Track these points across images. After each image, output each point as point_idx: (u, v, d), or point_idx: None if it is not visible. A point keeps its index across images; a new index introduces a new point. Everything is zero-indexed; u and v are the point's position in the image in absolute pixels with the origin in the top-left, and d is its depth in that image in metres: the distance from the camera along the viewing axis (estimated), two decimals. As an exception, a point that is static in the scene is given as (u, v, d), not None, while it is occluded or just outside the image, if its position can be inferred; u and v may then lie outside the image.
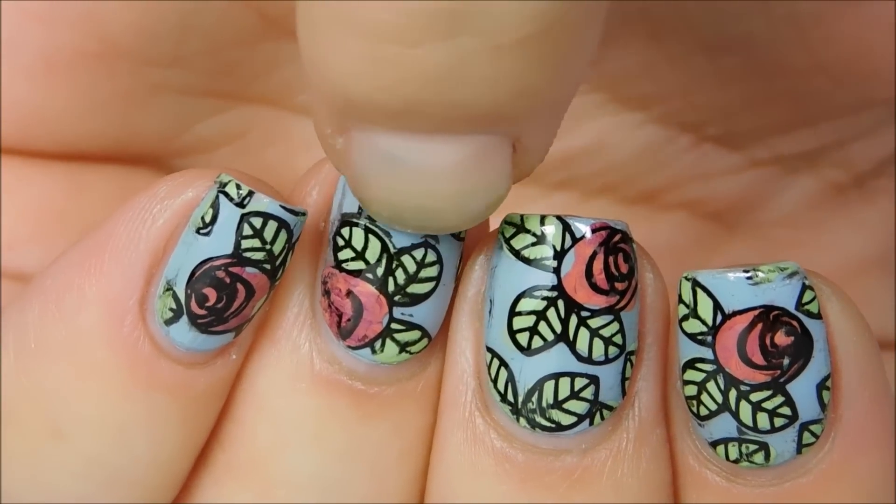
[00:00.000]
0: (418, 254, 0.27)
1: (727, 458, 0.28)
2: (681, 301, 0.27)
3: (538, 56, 0.23)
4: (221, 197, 0.27)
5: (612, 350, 0.27)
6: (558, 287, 0.27)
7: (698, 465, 0.28)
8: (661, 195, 0.36)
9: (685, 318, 0.27)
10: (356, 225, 0.27)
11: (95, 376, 0.28)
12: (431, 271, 0.27)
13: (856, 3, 0.30)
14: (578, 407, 0.27)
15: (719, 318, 0.27)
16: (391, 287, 0.27)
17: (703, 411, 0.27)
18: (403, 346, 0.28)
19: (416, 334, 0.28)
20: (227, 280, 0.27)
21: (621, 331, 0.27)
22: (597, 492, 0.28)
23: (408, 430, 0.29)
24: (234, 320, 0.27)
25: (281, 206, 0.27)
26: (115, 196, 0.33)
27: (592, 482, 0.28)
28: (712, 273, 0.27)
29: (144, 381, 0.28)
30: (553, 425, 0.27)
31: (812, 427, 0.27)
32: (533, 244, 0.27)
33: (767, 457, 0.28)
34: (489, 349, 0.27)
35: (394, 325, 0.28)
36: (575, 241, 0.27)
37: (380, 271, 0.27)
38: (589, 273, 0.27)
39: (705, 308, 0.27)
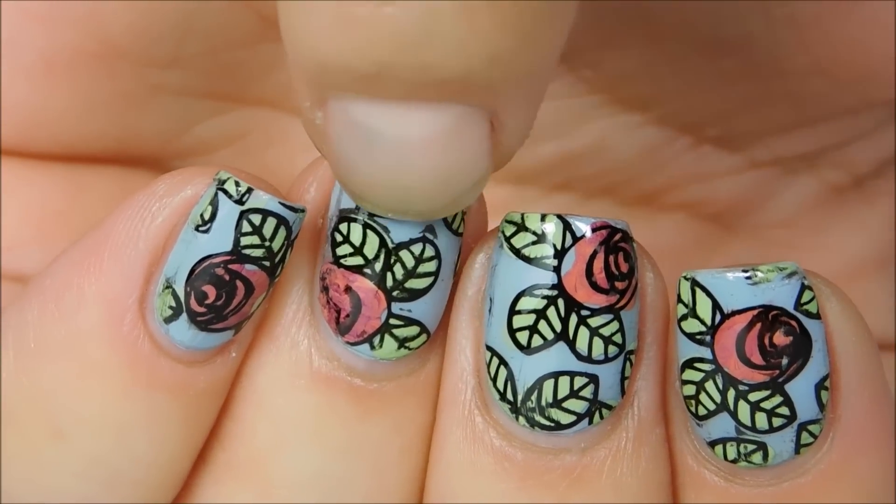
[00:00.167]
0: (416, 249, 0.27)
1: (725, 457, 0.28)
2: (680, 301, 0.27)
3: (510, 19, 0.23)
4: (220, 194, 0.27)
5: (612, 349, 0.27)
6: (558, 286, 0.27)
7: (697, 465, 0.28)
8: (660, 196, 0.36)
9: (684, 317, 0.27)
10: (354, 220, 0.27)
11: (95, 376, 0.28)
12: (430, 266, 0.27)
13: (855, 4, 0.30)
14: (578, 406, 0.27)
15: (718, 317, 0.27)
16: (389, 282, 0.27)
17: (702, 411, 0.27)
18: (402, 342, 0.28)
19: (414, 330, 0.28)
20: (227, 277, 0.27)
21: (621, 330, 0.27)
22: (596, 491, 0.28)
23: (407, 427, 0.29)
24: (234, 318, 0.27)
25: (280, 202, 0.27)
26: (115, 197, 0.33)
27: (591, 481, 0.28)
28: (711, 273, 0.27)
29: (144, 380, 0.28)
30: (552, 424, 0.27)
31: (810, 427, 0.27)
32: (533, 243, 0.27)
33: (766, 457, 0.28)
34: (489, 348, 0.27)
35: (392, 321, 0.28)
36: (575, 239, 0.27)
37: (378, 267, 0.27)
38: (589, 272, 0.27)
39: (704, 308, 0.27)
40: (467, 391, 0.28)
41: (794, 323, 0.27)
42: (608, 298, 0.27)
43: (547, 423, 0.27)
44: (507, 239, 0.27)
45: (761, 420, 0.27)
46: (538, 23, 0.23)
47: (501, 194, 0.35)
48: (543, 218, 0.27)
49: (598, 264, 0.27)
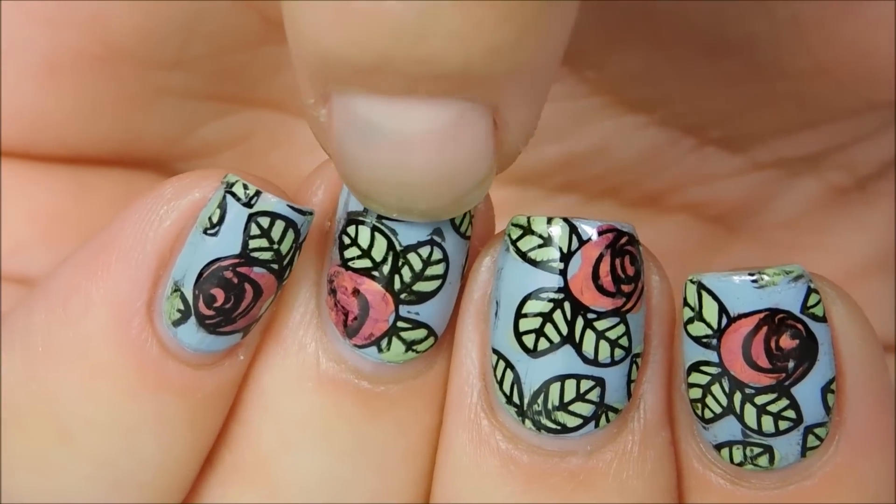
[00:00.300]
0: (424, 251, 0.27)
1: (731, 460, 0.28)
2: (686, 304, 0.27)
3: (509, 12, 0.23)
4: (228, 197, 0.27)
5: (618, 352, 0.27)
6: (565, 289, 0.27)
7: (702, 468, 0.28)
8: (663, 198, 0.36)
9: (690, 320, 0.27)
10: (362, 223, 0.27)
11: (103, 379, 0.28)
12: (437, 269, 0.27)
13: (858, 5, 0.30)
14: (584, 409, 0.27)
15: (724, 321, 0.27)
16: (397, 285, 0.27)
17: (708, 414, 0.27)
18: (410, 345, 0.28)
19: (422, 333, 0.28)
20: (235, 280, 0.27)
21: (627, 333, 0.27)
22: (601, 493, 0.28)
23: (414, 430, 0.29)
24: (242, 321, 0.27)
25: (288, 205, 0.27)
26: (120, 199, 0.33)
27: (597, 484, 0.28)
28: (717, 276, 0.27)
29: (152, 383, 0.28)
30: (559, 427, 0.27)
31: (816, 430, 0.27)
32: (539, 246, 0.27)
33: (772, 460, 0.28)
34: (495, 351, 0.27)
35: (400, 324, 0.27)
36: (581, 243, 0.27)
37: (386, 269, 0.27)
38: (595, 275, 0.27)
39: (710, 311, 0.27)
40: (473, 394, 0.28)
41: (800, 326, 0.27)
42: (614, 301, 0.27)
43: (553, 426, 0.27)
44: (514, 242, 0.27)
45: (767, 423, 0.27)
46: (538, 16, 0.23)
47: (504, 195, 0.35)
48: (550, 221, 0.27)
49: (605, 267, 0.27)
